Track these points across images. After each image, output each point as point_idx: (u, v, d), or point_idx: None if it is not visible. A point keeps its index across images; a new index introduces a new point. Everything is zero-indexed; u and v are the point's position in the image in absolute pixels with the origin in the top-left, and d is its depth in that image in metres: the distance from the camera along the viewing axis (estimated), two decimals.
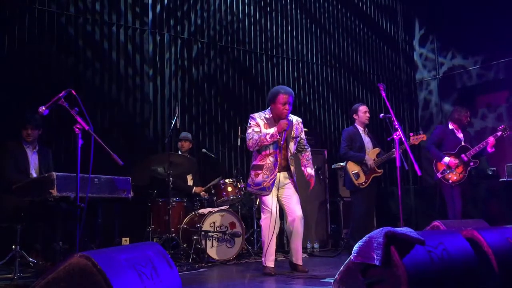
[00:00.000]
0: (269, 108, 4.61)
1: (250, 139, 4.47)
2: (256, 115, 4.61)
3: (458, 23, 8.69)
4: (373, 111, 8.81)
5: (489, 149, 5.77)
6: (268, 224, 4.40)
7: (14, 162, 4.55)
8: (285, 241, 6.17)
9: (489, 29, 8.11)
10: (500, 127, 5.86)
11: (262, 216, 4.49)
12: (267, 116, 4.57)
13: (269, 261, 4.43)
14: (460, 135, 6.02)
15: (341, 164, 6.64)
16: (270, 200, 4.43)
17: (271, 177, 4.45)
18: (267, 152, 4.48)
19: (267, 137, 4.39)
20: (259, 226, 5.97)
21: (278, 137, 4.41)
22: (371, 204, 5.91)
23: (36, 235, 4.61)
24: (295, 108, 7.73)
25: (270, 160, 4.46)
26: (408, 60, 9.63)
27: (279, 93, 4.51)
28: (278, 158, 4.47)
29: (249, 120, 4.59)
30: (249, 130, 4.52)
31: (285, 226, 4.64)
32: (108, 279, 1.98)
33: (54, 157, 5.09)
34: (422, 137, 5.49)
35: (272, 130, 4.41)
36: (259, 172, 4.48)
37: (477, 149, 5.80)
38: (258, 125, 4.52)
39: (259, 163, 4.50)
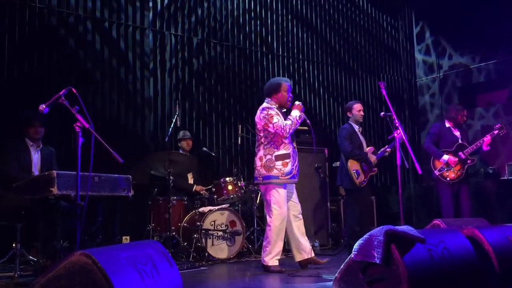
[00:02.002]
0: (267, 100, 4.57)
1: (285, 125, 4.34)
2: (268, 105, 4.51)
3: (458, 21, 8.67)
4: (374, 110, 8.81)
5: (485, 148, 5.79)
6: (280, 223, 4.38)
7: (17, 160, 4.53)
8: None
9: (490, 27, 8.09)
10: (497, 126, 5.87)
11: (272, 217, 4.39)
12: (274, 106, 4.52)
13: (276, 260, 4.42)
14: (457, 133, 5.99)
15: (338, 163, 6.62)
16: (285, 197, 4.42)
17: (295, 163, 4.48)
18: (289, 139, 4.47)
19: (297, 118, 4.43)
20: (259, 224, 5.99)
21: (304, 116, 4.49)
22: (368, 202, 5.96)
23: (36, 233, 4.60)
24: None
25: (290, 147, 4.47)
26: (407, 59, 9.62)
27: (282, 82, 4.56)
28: (294, 144, 4.53)
29: (266, 111, 4.43)
30: (275, 120, 4.37)
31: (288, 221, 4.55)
32: (109, 277, 1.98)
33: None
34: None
35: (298, 112, 4.46)
36: (288, 160, 4.41)
37: (474, 147, 5.80)
38: (278, 114, 4.47)
39: (285, 151, 4.42)
